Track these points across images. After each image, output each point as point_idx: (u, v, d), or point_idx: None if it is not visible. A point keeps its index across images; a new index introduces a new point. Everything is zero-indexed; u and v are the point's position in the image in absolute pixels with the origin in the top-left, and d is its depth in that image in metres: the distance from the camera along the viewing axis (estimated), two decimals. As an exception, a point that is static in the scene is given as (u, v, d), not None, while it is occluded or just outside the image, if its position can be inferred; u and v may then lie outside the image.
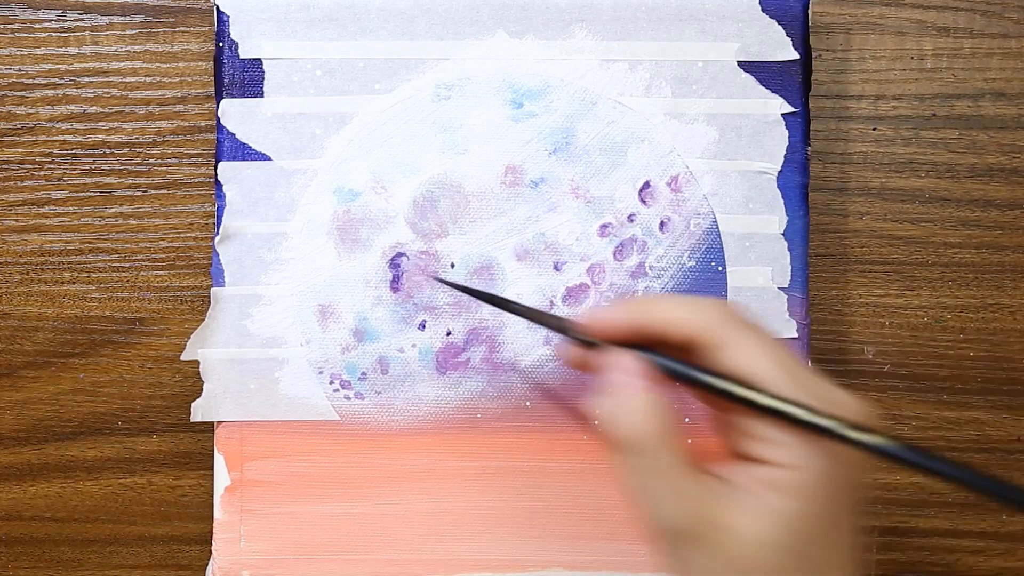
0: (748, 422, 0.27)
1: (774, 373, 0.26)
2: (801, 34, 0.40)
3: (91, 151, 0.41)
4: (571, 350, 0.31)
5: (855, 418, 0.26)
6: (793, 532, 0.26)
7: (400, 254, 0.40)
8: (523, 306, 0.34)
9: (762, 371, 0.27)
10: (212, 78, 0.41)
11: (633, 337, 0.29)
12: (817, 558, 0.26)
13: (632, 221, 0.40)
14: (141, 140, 0.41)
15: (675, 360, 0.28)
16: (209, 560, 0.40)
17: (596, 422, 0.29)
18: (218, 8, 0.39)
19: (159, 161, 0.41)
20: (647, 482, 0.27)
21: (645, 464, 0.27)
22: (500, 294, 0.38)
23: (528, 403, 0.40)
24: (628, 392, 0.28)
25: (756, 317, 0.30)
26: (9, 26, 0.41)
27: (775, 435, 0.26)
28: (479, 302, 0.39)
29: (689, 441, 0.39)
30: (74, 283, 0.41)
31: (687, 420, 0.39)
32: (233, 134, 0.40)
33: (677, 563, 0.27)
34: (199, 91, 0.41)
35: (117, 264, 0.41)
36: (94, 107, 0.41)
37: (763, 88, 0.40)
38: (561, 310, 0.40)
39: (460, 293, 0.39)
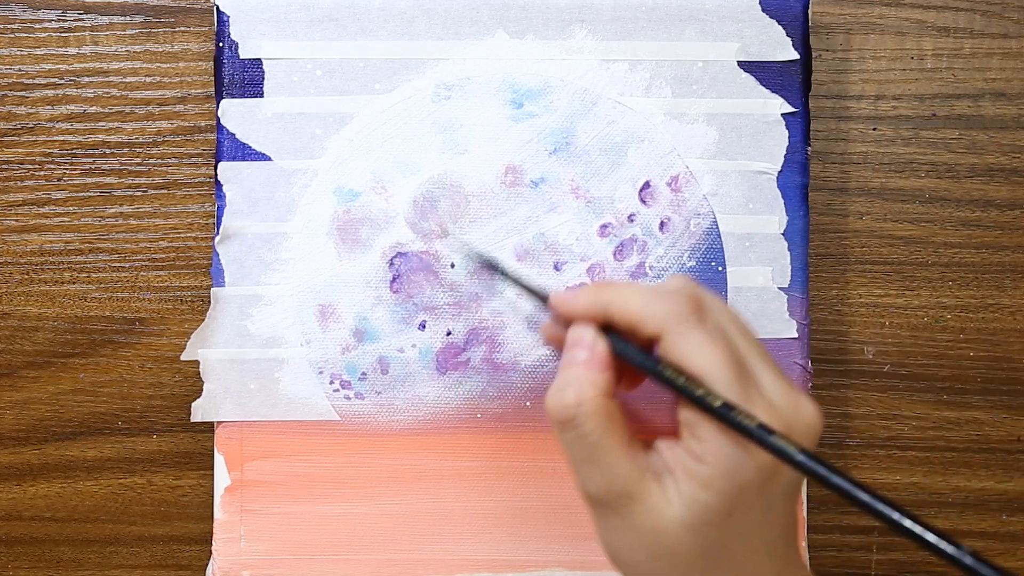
0: (681, 411, 0.29)
1: (715, 369, 0.28)
2: (801, 34, 0.40)
3: (91, 151, 0.41)
4: (548, 327, 0.33)
5: (805, 423, 0.28)
6: (694, 515, 0.28)
7: (400, 254, 0.40)
8: (513, 275, 0.37)
9: (702, 367, 0.28)
10: (212, 78, 0.41)
11: (601, 320, 0.30)
12: (719, 542, 0.28)
13: (632, 221, 0.40)
14: (141, 140, 0.41)
15: (627, 344, 0.30)
16: (209, 560, 0.40)
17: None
18: (218, 8, 0.39)
19: (159, 161, 0.41)
20: (573, 455, 0.29)
21: (570, 438, 0.29)
22: (504, 267, 0.39)
23: (528, 403, 0.40)
24: (568, 368, 0.30)
25: (722, 307, 0.31)
26: (9, 26, 0.41)
27: (697, 429, 0.28)
28: (482, 289, 0.39)
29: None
30: (74, 283, 0.41)
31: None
32: (233, 134, 0.40)
33: (598, 525, 0.30)
34: (199, 91, 0.41)
35: (117, 264, 0.41)
36: (94, 107, 0.41)
37: (763, 88, 0.40)
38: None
39: (460, 293, 0.39)
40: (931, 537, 0.24)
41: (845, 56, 0.42)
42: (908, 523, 0.24)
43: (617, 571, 0.30)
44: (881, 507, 0.25)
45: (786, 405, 0.29)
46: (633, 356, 0.30)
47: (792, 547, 0.30)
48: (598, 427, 0.29)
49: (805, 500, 0.40)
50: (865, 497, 0.25)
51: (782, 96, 0.40)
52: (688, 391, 0.28)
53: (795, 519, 0.30)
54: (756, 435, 0.27)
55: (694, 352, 0.28)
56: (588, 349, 0.30)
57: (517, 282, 0.36)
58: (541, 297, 0.33)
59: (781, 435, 0.27)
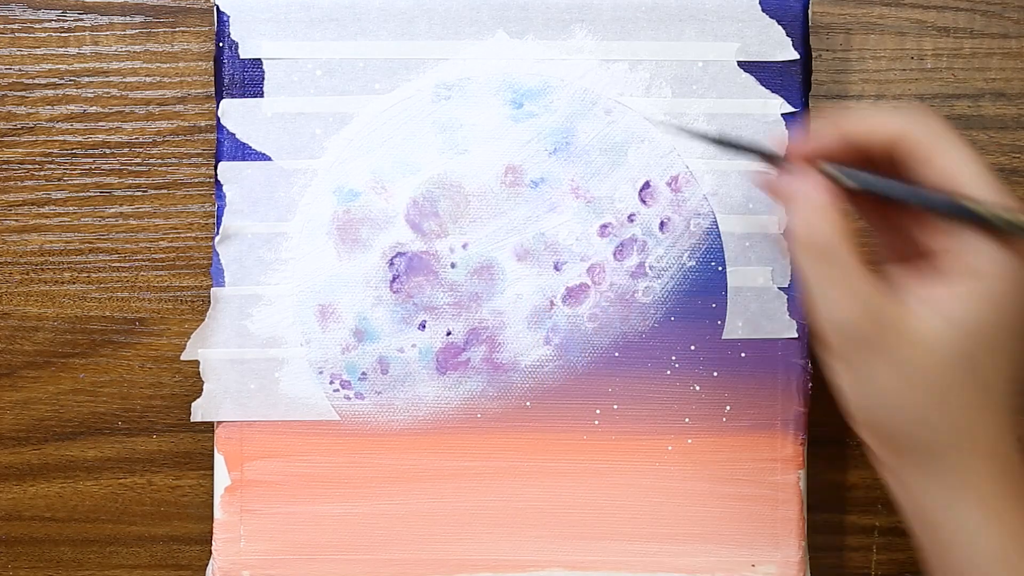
0: (932, 234, 0.28)
1: (979, 183, 0.27)
2: (801, 34, 0.40)
3: (91, 151, 0.41)
4: (764, 176, 0.33)
5: None
6: (968, 337, 0.27)
7: (400, 254, 0.40)
8: (733, 139, 0.34)
9: (967, 180, 0.27)
10: (212, 78, 0.41)
11: (835, 153, 0.30)
12: (986, 366, 0.27)
13: (632, 221, 0.40)
14: (141, 140, 0.41)
15: (861, 170, 0.29)
16: (209, 560, 0.40)
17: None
18: (218, 8, 0.39)
19: (159, 161, 0.41)
20: (824, 283, 0.28)
21: (821, 266, 0.28)
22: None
23: (528, 403, 0.40)
24: (804, 200, 0.29)
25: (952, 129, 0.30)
26: (9, 26, 0.41)
27: (960, 243, 0.27)
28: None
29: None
30: (74, 283, 0.41)
31: (687, 420, 0.39)
32: (233, 134, 0.40)
33: (841, 365, 0.29)
34: (199, 91, 0.41)
35: (117, 264, 0.41)
36: (94, 107, 0.41)
37: (763, 88, 0.40)
38: (561, 310, 0.40)
39: (460, 293, 0.39)
40: None
41: (845, 56, 0.42)
42: None
43: (858, 424, 0.29)
44: None
45: None
46: (880, 185, 0.29)
47: (1008, 425, 0.29)
48: (851, 251, 0.28)
49: (805, 500, 0.40)
50: None
51: (782, 96, 0.40)
52: (960, 204, 0.27)
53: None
54: None
55: (958, 166, 0.28)
56: (815, 183, 0.29)
57: (741, 145, 0.34)
58: (771, 155, 0.33)
59: None
